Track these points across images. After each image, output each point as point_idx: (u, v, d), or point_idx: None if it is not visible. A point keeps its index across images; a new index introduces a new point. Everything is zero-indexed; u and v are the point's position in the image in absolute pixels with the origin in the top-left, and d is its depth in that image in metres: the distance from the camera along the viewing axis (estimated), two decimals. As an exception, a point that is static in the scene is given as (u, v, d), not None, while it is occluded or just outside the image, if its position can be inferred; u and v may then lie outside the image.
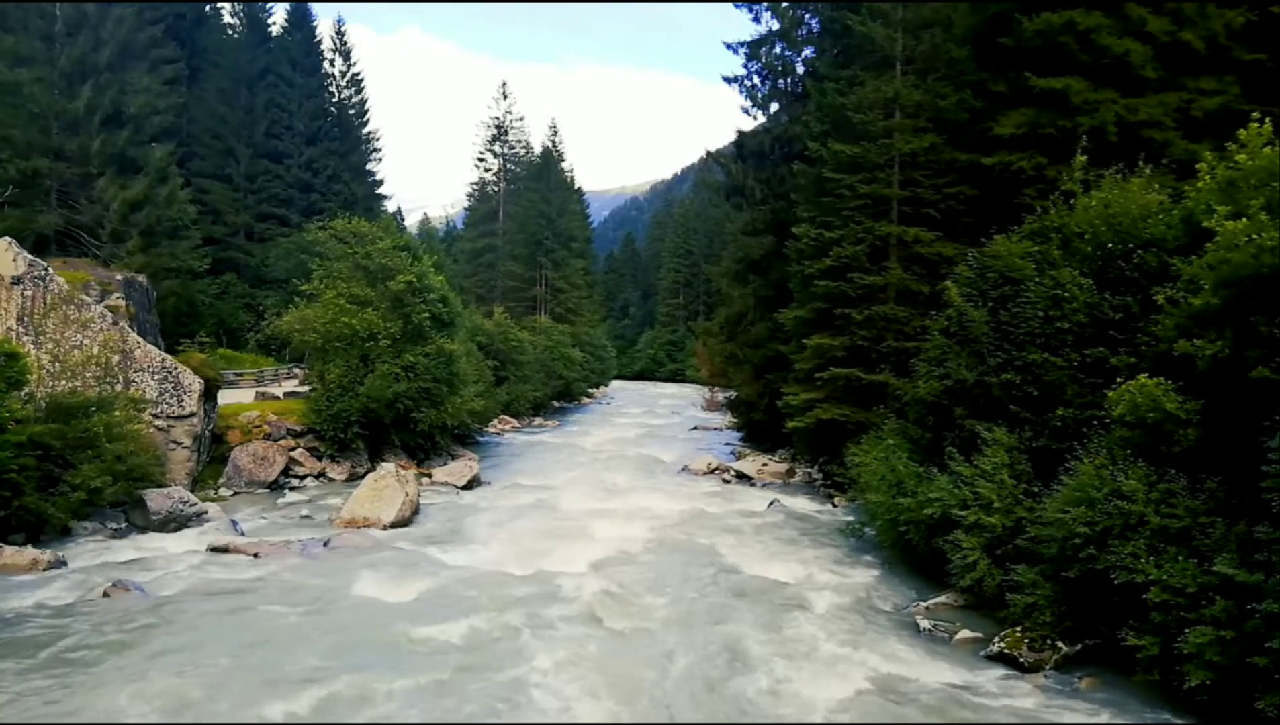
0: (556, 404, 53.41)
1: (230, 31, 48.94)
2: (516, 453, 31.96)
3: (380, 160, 54.24)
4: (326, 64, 50.37)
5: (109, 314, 20.02)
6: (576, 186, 78.97)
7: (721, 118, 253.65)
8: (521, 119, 72.37)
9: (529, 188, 66.17)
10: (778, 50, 29.59)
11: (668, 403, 61.60)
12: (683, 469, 27.62)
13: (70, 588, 12.46)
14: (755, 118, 31.30)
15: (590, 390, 64.04)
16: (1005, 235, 14.35)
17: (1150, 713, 9.02)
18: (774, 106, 30.70)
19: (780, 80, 30.08)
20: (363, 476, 21.06)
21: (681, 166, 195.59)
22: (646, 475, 26.55)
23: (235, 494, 20.83)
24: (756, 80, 30.02)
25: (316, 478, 23.04)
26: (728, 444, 34.53)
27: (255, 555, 14.70)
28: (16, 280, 18.45)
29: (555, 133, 73.14)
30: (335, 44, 51.06)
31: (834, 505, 21.16)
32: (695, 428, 43.00)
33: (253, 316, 41.34)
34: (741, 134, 31.63)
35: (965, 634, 11.40)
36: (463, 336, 30.45)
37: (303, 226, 36.22)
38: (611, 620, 11.87)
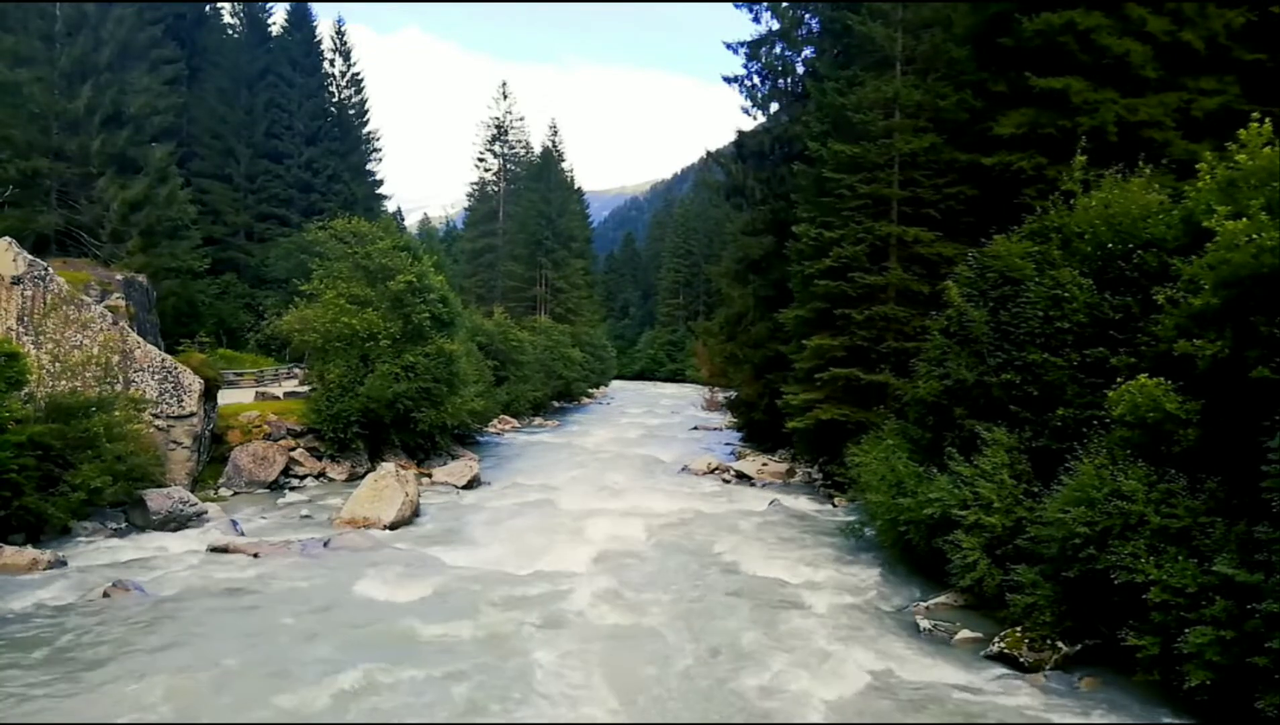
0: (556, 404, 53.42)
1: (230, 31, 48.95)
2: (516, 453, 31.96)
3: (380, 160, 54.36)
4: (326, 64, 50.40)
5: (109, 314, 20.03)
6: (576, 186, 78.96)
7: (721, 118, 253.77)
8: (521, 119, 72.57)
9: (529, 188, 66.18)
10: (778, 50, 29.62)
11: (668, 403, 61.60)
12: (683, 469, 27.62)
13: (70, 588, 12.46)
14: (755, 118, 31.37)
15: (590, 390, 64.05)
16: (1005, 235, 14.34)
17: (1150, 713, 9.02)
18: (774, 106, 30.74)
19: (780, 80, 30.10)
20: (363, 476, 21.07)
21: (681, 166, 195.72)
22: (646, 475, 26.55)
23: (235, 494, 20.83)
24: (756, 80, 30.06)
25: (316, 478, 23.04)
26: (728, 444, 34.54)
27: (255, 555, 14.70)
28: (16, 280, 18.45)
29: (555, 133, 73.23)
30: (335, 44, 51.12)
31: (834, 505, 21.16)
32: (695, 428, 43.01)
33: (253, 316, 41.34)
34: (741, 134, 31.63)
35: (965, 634, 11.40)
36: (463, 336, 30.45)
37: (303, 226, 36.23)
38: (612, 619, 11.89)
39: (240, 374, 31.98)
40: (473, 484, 23.64)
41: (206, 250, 37.09)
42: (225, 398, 24.14)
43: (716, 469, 27.13)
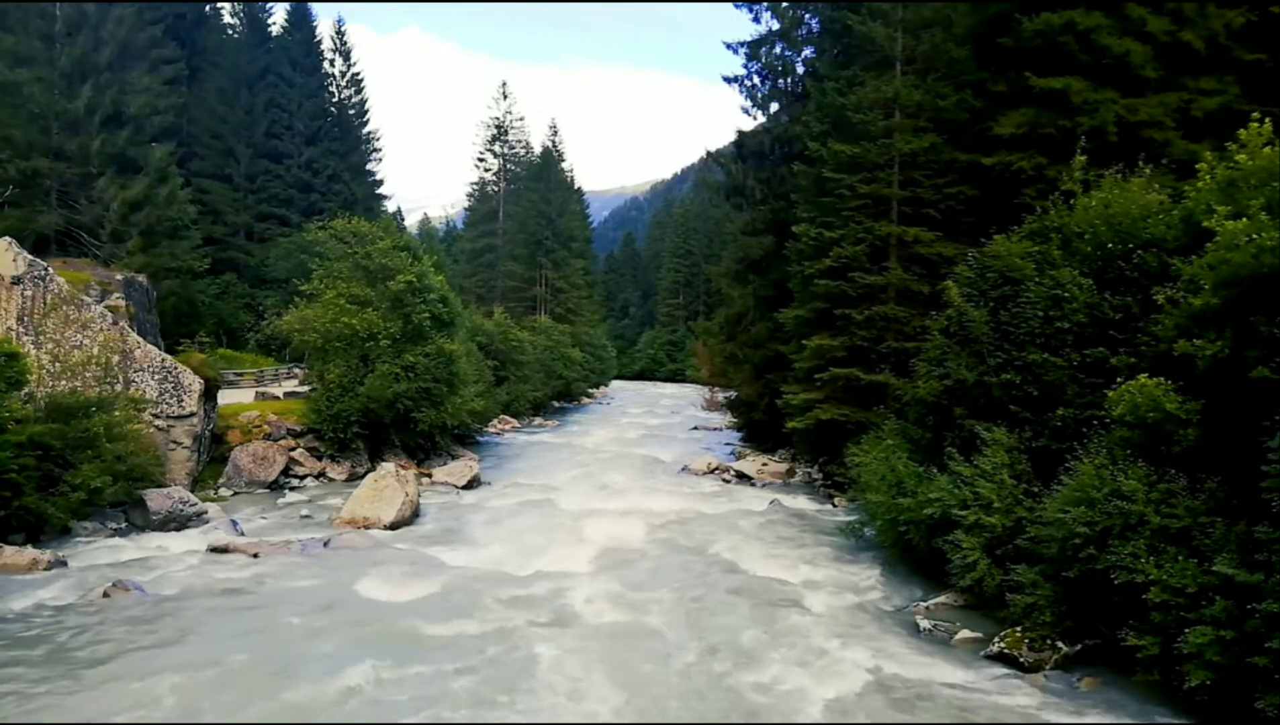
0: (556, 404, 53.42)
1: (230, 31, 48.95)
2: (516, 453, 31.96)
3: (380, 160, 54.37)
4: (326, 64, 50.40)
5: (109, 314, 20.03)
6: (576, 186, 78.96)
7: (721, 118, 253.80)
8: (521, 119, 72.57)
9: (529, 188, 66.18)
10: (778, 50, 29.62)
11: (668, 403, 61.60)
12: (683, 469, 27.62)
13: (70, 588, 12.46)
14: (755, 118, 31.37)
15: (590, 390, 64.05)
16: (1005, 235, 14.34)
17: (1150, 713, 9.01)
18: (774, 106, 30.74)
19: (780, 80, 30.10)
20: (363, 476, 21.07)
21: (681, 166, 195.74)
22: (646, 475, 26.55)
23: (235, 494, 20.82)
24: (756, 80, 30.06)
25: (316, 478, 23.04)
26: (728, 444, 34.54)
27: (255, 555, 14.70)
28: (16, 280, 18.45)
29: (555, 133, 73.23)
30: (335, 44, 51.12)
31: (834, 505, 21.16)
32: (695, 428, 43.01)
33: (253, 316, 41.34)
34: (741, 134, 31.63)
35: (965, 634, 11.40)
36: (463, 336, 30.45)
37: (303, 226, 36.23)
38: (613, 618, 11.89)
39: (240, 374, 31.98)
40: (473, 484, 23.64)
41: (206, 250, 37.09)
42: (225, 398, 24.14)
43: (716, 469, 27.13)
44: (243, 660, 9.88)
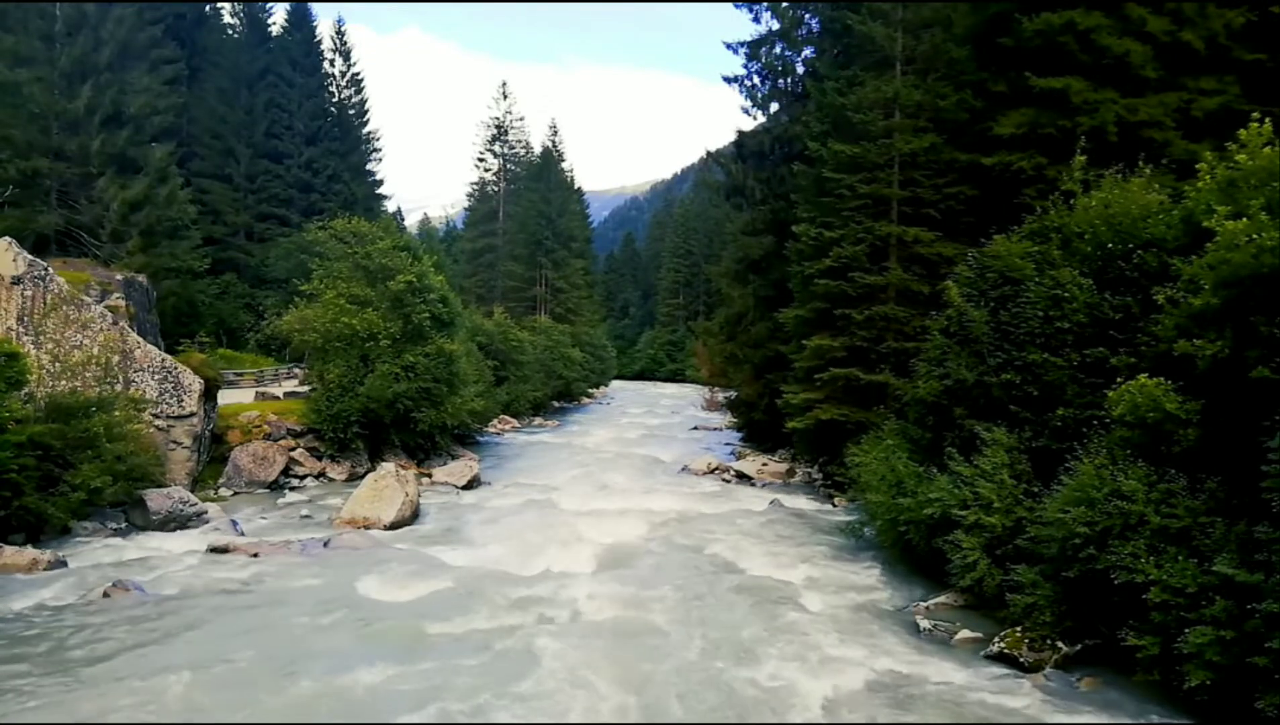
0: (556, 404, 53.42)
1: (230, 31, 48.97)
2: (516, 453, 31.96)
3: (380, 160, 54.40)
4: (326, 64, 50.42)
5: (109, 314, 20.02)
6: (576, 186, 78.98)
7: (721, 118, 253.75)
8: (521, 119, 72.60)
9: (529, 188, 66.20)
10: (778, 50, 29.62)
11: (668, 403, 61.61)
12: (683, 469, 27.62)
13: (70, 588, 12.46)
14: (755, 118, 31.38)
15: (590, 390, 64.05)
16: (1005, 235, 14.34)
17: (1150, 713, 9.01)
18: (774, 106, 30.75)
19: (780, 80, 30.11)
20: (363, 476, 21.06)
21: (681, 166, 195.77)
22: (646, 475, 26.55)
23: (235, 494, 20.83)
24: (756, 80, 30.07)
25: (316, 478, 23.04)
26: (728, 444, 34.54)
27: (255, 555, 14.69)
28: (16, 280, 18.45)
29: (555, 133, 73.25)
30: (335, 44, 51.14)
31: (834, 505, 21.16)
32: (695, 428, 43.01)
33: (253, 316, 41.35)
34: (741, 134, 31.64)
35: (965, 634, 11.40)
36: (463, 336, 30.45)
37: (303, 226, 36.24)
38: (613, 618, 11.89)
39: (240, 374, 31.99)
40: (473, 484, 23.64)
41: (206, 250, 37.11)
42: (225, 398, 24.14)
43: (716, 469, 27.12)
44: (243, 659, 9.88)
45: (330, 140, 48.18)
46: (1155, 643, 8.99)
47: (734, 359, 32.44)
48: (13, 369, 14.99)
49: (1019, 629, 10.67)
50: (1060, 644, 10.36)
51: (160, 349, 21.55)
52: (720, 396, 43.87)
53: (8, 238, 19.20)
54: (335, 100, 50.38)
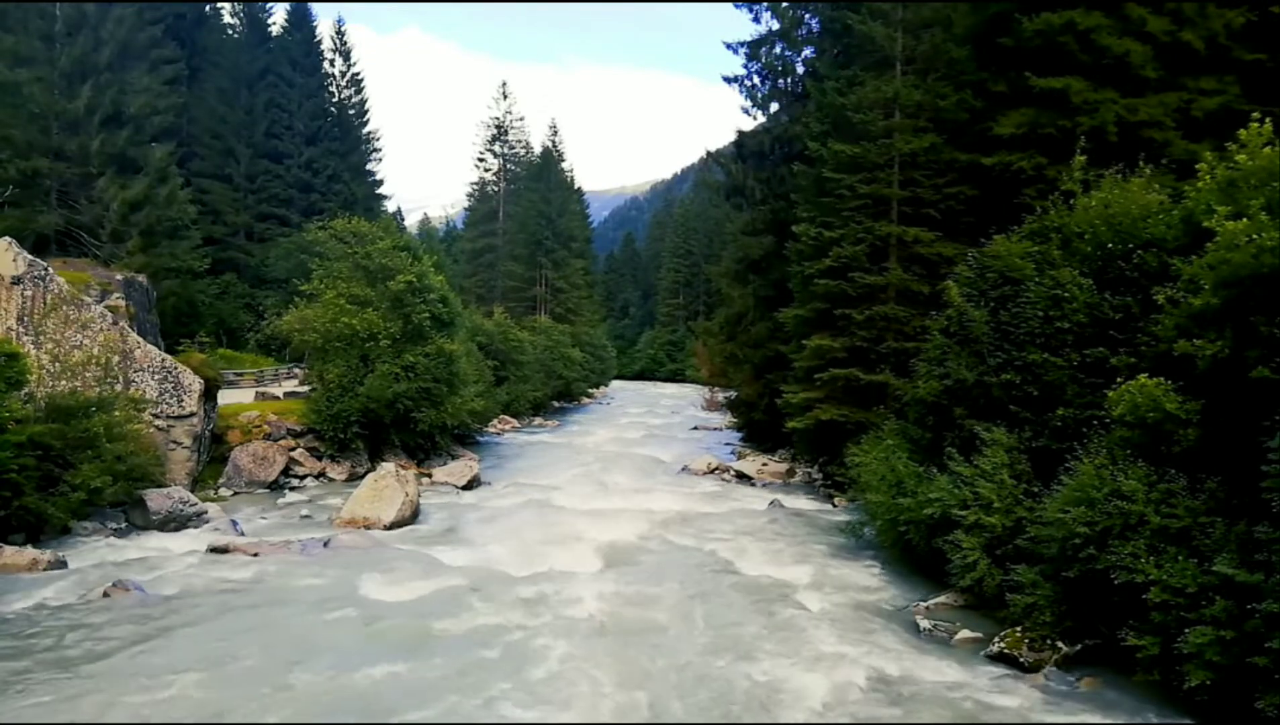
0: (556, 404, 53.42)
1: (230, 31, 48.97)
2: (517, 453, 31.97)
3: (380, 160, 54.41)
4: (326, 64, 50.42)
5: (109, 314, 20.02)
6: (576, 186, 78.99)
7: (721, 118, 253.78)
8: (521, 119, 72.62)
9: (529, 188, 66.21)
10: (778, 50, 29.63)
11: (668, 403, 61.61)
12: (683, 469, 27.62)
13: (70, 588, 12.45)
14: (755, 118, 31.39)
15: (590, 390, 64.06)
16: (1005, 235, 14.34)
17: (1150, 713, 9.01)
18: (774, 106, 30.76)
19: (780, 80, 30.12)
20: (363, 476, 21.06)
21: (681, 166, 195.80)
22: (647, 475, 26.55)
23: (235, 494, 20.82)
24: (756, 80, 30.08)
25: (316, 478, 23.04)
26: (728, 444, 34.54)
27: (255, 555, 14.69)
28: (16, 280, 18.45)
29: (555, 133, 73.28)
30: (335, 44, 51.14)
31: (834, 505, 21.16)
32: (695, 428, 43.02)
33: (253, 316, 41.35)
34: (741, 134, 31.64)
35: (965, 634, 11.40)
36: (463, 336, 30.45)
37: (303, 226, 36.24)
38: (613, 618, 11.88)
39: (240, 374, 31.99)
40: (473, 484, 23.64)
41: (206, 250, 37.11)
42: (225, 398, 24.14)
43: (716, 469, 27.13)
44: (245, 658, 9.89)
45: (330, 140, 48.19)
46: (1155, 643, 8.99)
47: (734, 359, 32.45)
48: (13, 369, 14.99)
49: (1019, 629, 10.67)
50: (1060, 644, 10.35)
51: (160, 349, 21.55)
52: (720, 396, 43.88)
53: (8, 238, 19.20)
54: (335, 100, 50.39)
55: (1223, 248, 9.41)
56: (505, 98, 70.04)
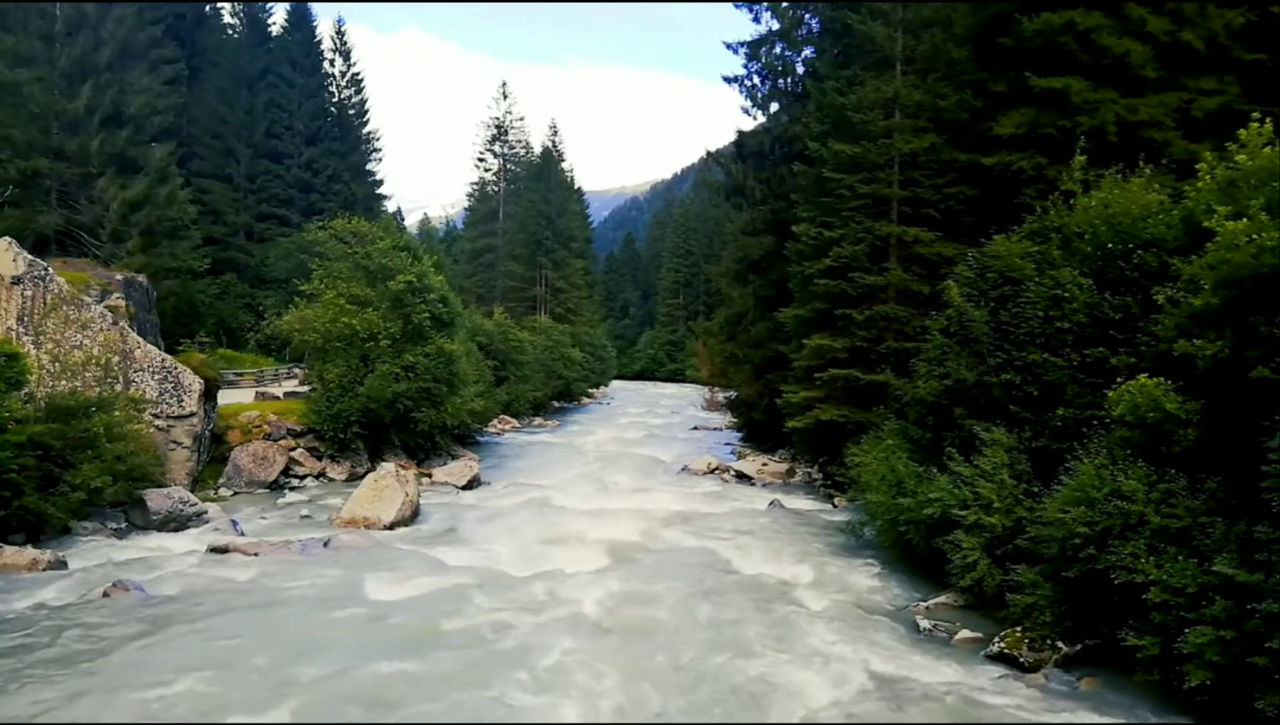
0: (556, 404, 53.42)
1: (230, 31, 48.97)
2: (517, 453, 31.97)
3: (380, 160, 54.40)
4: (326, 64, 50.42)
5: (109, 314, 20.02)
6: (576, 186, 79.00)
7: (721, 118, 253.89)
8: (521, 119, 72.64)
9: (529, 188, 66.22)
10: (778, 50, 29.63)
11: (668, 403, 61.60)
12: (683, 469, 27.62)
13: (70, 588, 12.45)
14: (755, 118, 31.39)
15: (590, 390, 64.05)
16: (1005, 235, 14.34)
17: (1150, 713, 9.02)
18: (774, 106, 30.75)
19: (780, 80, 30.11)
20: (363, 476, 21.06)
21: (681, 166, 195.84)
22: (647, 475, 26.55)
23: (235, 494, 20.82)
24: (756, 80, 30.07)
25: (316, 478, 23.04)
26: (728, 444, 34.53)
27: (255, 555, 14.68)
28: (16, 280, 18.45)
29: (555, 133, 73.29)
30: (335, 44, 51.14)
31: (834, 505, 21.16)
32: (695, 428, 43.02)
33: (253, 316, 41.35)
34: (741, 134, 31.64)
35: (965, 634, 11.40)
36: (463, 336, 30.44)
37: (303, 226, 36.24)
38: (613, 618, 11.88)
39: (240, 374, 31.98)
40: (473, 484, 23.64)
41: (206, 250, 37.10)
42: (225, 398, 24.14)
43: (716, 469, 27.12)
44: (246, 657, 9.89)
45: (330, 140, 48.19)
46: (1155, 643, 8.99)
47: (734, 359, 32.44)
48: (13, 369, 14.99)
49: (1019, 629, 10.67)
50: (1060, 644, 10.36)
51: (160, 349, 21.55)
52: (720, 396, 43.88)
53: (8, 238, 19.19)
54: (335, 100, 50.38)
55: (1223, 248, 9.41)
56: (505, 98, 70.12)
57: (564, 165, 73.02)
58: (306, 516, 18.74)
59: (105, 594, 12.12)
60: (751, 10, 29.69)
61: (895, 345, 19.89)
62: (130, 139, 30.56)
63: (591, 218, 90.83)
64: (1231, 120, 12.54)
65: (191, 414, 20.09)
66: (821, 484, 23.69)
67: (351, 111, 51.62)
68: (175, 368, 20.14)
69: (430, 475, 23.76)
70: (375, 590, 12.90)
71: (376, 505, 18.01)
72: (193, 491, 18.89)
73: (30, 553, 13.53)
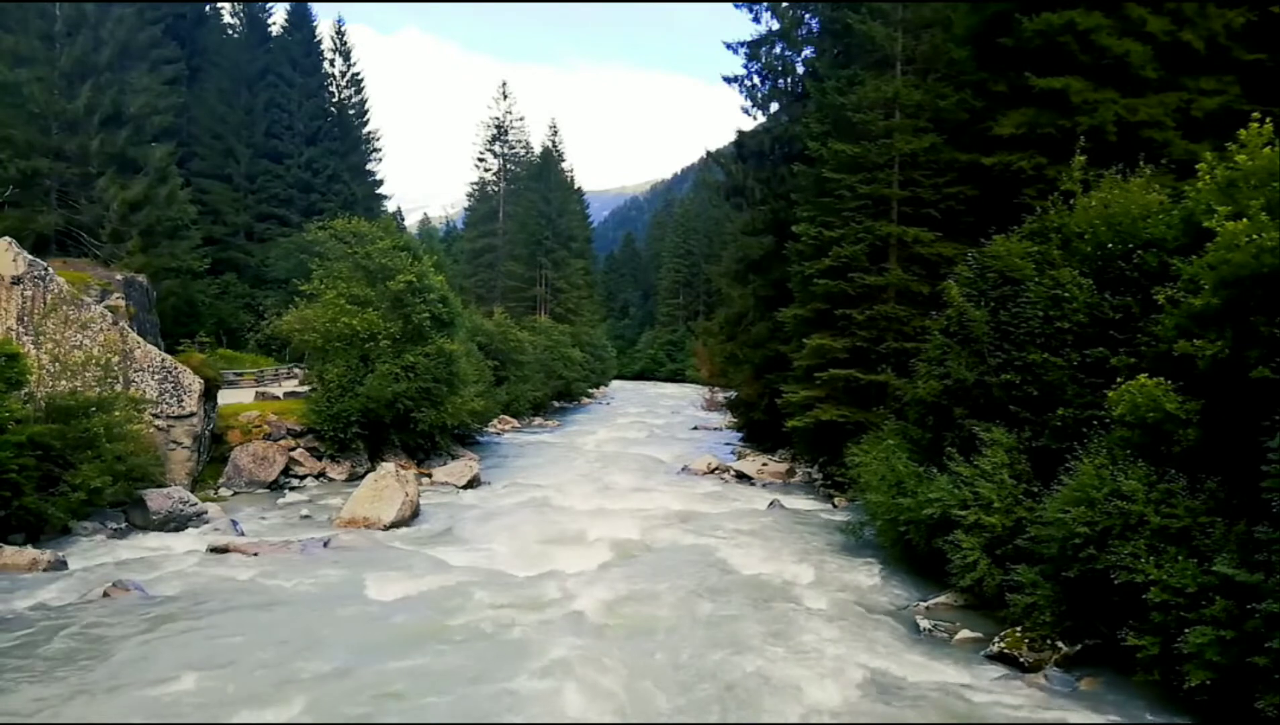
0: (556, 404, 53.43)
1: (230, 31, 49.02)
2: (517, 453, 31.96)
3: (380, 160, 54.45)
4: (326, 64, 50.46)
5: (109, 314, 20.01)
6: (576, 186, 79.09)
7: (721, 118, 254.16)
8: (521, 119, 72.60)
9: (529, 188, 66.26)
10: (778, 50, 29.64)
11: (668, 403, 61.58)
12: (683, 469, 27.62)
13: (70, 588, 12.46)
14: (755, 118, 31.39)
15: (590, 390, 64.07)
16: (1005, 235, 14.35)
17: (1150, 713, 9.01)
18: (774, 106, 30.77)
19: (780, 80, 30.12)
20: (363, 476, 21.05)
21: (681, 166, 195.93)
22: (647, 475, 26.54)
23: (235, 494, 20.83)
24: (756, 80, 30.09)
25: (316, 478, 23.04)
26: (728, 444, 34.53)
27: (255, 555, 14.68)
28: (16, 280, 18.44)
29: (555, 133, 73.31)
30: (335, 44, 51.18)
31: (834, 505, 21.16)
32: (695, 428, 43.02)
33: (253, 316, 41.36)
34: (741, 134, 31.65)
35: (965, 634, 11.40)
36: (463, 336, 30.44)
37: (303, 226, 36.25)
38: (613, 618, 11.88)
39: (240, 374, 31.98)
40: (473, 484, 23.64)
41: (206, 250, 37.11)
42: (225, 398, 24.14)
43: (716, 469, 27.12)
44: (247, 655, 9.90)
45: (330, 140, 48.21)
46: (1155, 643, 8.99)
47: (734, 359, 32.44)
48: (13, 369, 14.98)
49: (1019, 629, 10.67)
50: (1060, 644, 10.36)
51: (160, 349, 21.55)
52: (720, 396, 43.84)
53: (8, 238, 19.19)
54: (335, 100, 50.41)
55: (1223, 248, 9.41)
56: (505, 98, 70.08)
57: (564, 165, 73.17)
58: (306, 516, 18.75)
59: (105, 594, 12.11)
60: (751, 10, 29.71)
61: (895, 345, 19.88)
62: (130, 139, 30.57)
63: (591, 218, 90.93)
64: (1231, 120, 12.53)
65: (191, 414, 20.10)
66: (821, 484, 23.68)
67: (351, 111, 51.64)
68: (175, 368, 20.14)
69: (430, 475, 23.76)
70: (376, 589, 12.90)
71: (376, 505, 18.01)
72: (193, 491, 18.89)
73: (30, 553, 13.53)
